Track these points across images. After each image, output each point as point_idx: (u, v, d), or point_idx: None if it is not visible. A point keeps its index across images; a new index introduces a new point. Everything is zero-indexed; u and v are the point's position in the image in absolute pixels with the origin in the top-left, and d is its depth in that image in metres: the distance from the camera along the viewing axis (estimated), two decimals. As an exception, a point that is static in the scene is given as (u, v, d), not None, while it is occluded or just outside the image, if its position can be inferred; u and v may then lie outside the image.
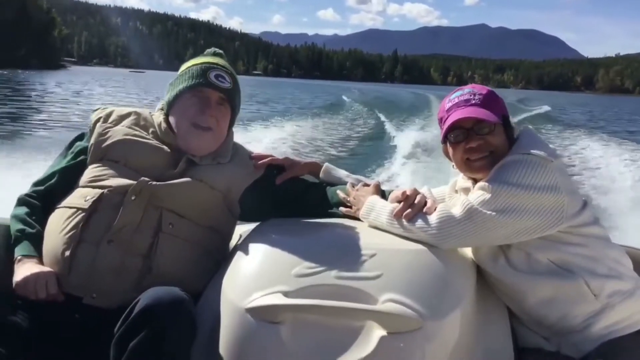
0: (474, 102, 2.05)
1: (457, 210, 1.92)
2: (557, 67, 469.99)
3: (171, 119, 2.20)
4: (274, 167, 2.30)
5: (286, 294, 1.73)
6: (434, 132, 16.63)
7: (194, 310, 1.75)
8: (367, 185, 2.25)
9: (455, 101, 2.08)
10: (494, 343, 1.95)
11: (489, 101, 2.07)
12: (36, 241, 2.00)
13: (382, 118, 24.95)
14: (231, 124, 2.27)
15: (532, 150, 1.95)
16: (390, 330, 1.67)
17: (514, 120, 2.16)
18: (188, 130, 2.14)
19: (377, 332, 1.67)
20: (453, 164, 2.15)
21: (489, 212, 1.89)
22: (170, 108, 2.21)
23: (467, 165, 2.08)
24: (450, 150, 2.12)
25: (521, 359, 1.94)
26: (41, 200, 2.13)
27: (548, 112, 37.93)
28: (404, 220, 1.96)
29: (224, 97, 2.18)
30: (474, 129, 2.04)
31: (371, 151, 15.35)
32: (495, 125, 2.04)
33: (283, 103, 38.13)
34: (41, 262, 1.96)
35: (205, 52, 2.35)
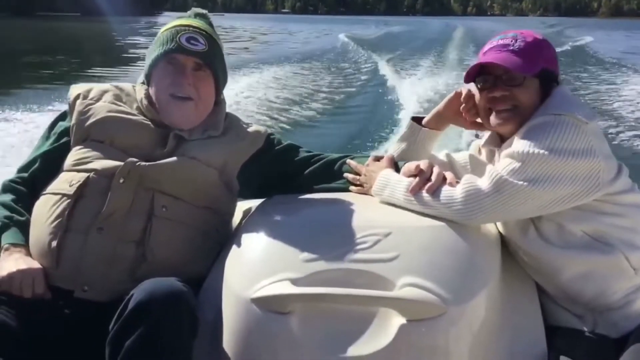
0: (512, 48, 1.74)
1: (484, 182, 1.63)
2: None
3: (151, 92, 1.91)
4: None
5: (294, 281, 1.49)
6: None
7: (194, 302, 1.51)
8: (378, 159, 1.92)
9: (494, 44, 1.78)
10: (523, 323, 1.69)
11: (531, 50, 1.75)
12: (24, 229, 1.76)
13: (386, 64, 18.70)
14: (218, 91, 1.96)
15: (564, 111, 1.65)
16: (410, 317, 1.44)
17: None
18: (167, 103, 1.85)
19: (396, 320, 1.44)
20: None
21: (519, 183, 1.59)
22: (149, 80, 1.93)
23: (489, 116, 1.79)
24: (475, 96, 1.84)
25: (552, 340, 1.68)
26: (27, 187, 1.87)
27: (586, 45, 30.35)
28: (424, 195, 1.67)
29: (200, 62, 1.87)
30: (502, 77, 1.73)
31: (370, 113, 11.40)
32: (526, 78, 1.73)
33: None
34: (29, 251, 1.73)
35: (186, 13, 2.03)
